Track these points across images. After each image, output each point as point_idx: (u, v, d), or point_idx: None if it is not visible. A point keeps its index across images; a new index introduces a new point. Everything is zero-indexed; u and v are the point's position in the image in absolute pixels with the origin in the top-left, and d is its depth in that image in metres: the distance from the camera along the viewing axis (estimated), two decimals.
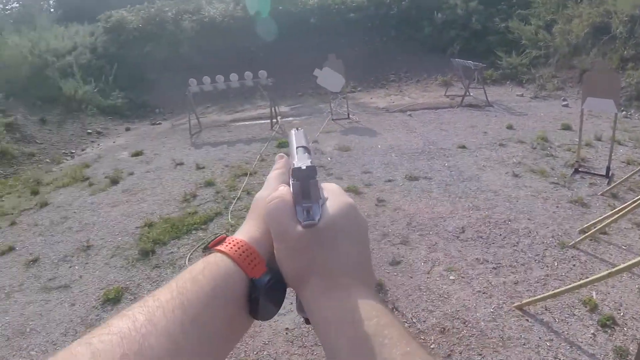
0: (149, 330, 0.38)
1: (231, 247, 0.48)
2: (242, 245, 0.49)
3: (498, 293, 3.44)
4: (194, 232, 4.83)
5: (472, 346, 2.94)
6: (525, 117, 8.35)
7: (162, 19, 13.82)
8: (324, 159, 6.75)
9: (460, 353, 2.90)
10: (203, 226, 4.92)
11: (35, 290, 4.14)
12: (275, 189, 0.53)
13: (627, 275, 3.46)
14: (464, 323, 3.15)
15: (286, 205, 0.50)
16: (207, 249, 0.50)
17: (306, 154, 0.58)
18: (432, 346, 2.98)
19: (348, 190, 5.41)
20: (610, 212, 4.08)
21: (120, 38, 13.79)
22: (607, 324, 3.00)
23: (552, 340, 2.93)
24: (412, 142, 7.26)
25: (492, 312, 3.24)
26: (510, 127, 7.62)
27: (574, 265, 3.71)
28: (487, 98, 9.45)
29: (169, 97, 11.74)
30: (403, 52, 13.07)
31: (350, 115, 9.15)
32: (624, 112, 8.13)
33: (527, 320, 3.13)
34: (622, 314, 3.11)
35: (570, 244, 3.97)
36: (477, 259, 3.91)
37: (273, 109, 9.08)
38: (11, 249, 4.97)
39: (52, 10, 20.54)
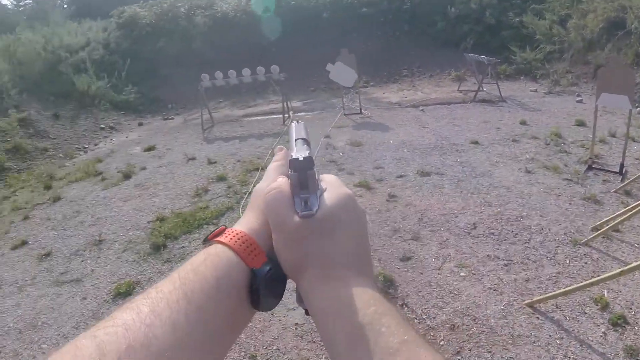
0: (153, 321, 0.38)
1: (231, 238, 0.49)
2: (242, 236, 0.49)
3: (509, 290, 3.42)
4: (205, 226, 4.86)
5: (482, 343, 2.93)
6: (538, 112, 8.24)
7: (174, 15, 13.87)
8: (336, 154, 6.75)
9: (470, 350, 2.89)
10: (214, 221, 4.95)
11: (48, 284, 4.20)
12: (274, 180, 0.54)
13: (639, 274, 3.41)
14: (474, 320, 3.14)
15: (284, 196, 0.50)
16: (207, 240, 0.50)
17: (305, 145, 0.59)
18: (441, 343, 2.97)
19: (360, 185, 5.41)
20: (624, 210, 4.01)
21: (133, 33, 13.86)
22: (618, 322, 2.97)
23: (562, 338, 2.90)
24: (424, 137, 7.22)
25: (502, 309, 3.22)
26: (523, 123, 7.53)
27: (585, 263, 3.67)
28: (500, 93, 9.34)
29: (181, 92, 11.78)
30: (416, 47, 12.96)
31: (362, 110, 9.11)
32: (638, 109, 8.00)
33: (538, 317, 3.11)
34: (633, 312, 3.07)
35: (583, 241, 3.92)
36: (488, 255, 3.89)
37: (285, 104, 9.09)
38: (24, 243, 5.06)
39: (65, 6, 20.78)
